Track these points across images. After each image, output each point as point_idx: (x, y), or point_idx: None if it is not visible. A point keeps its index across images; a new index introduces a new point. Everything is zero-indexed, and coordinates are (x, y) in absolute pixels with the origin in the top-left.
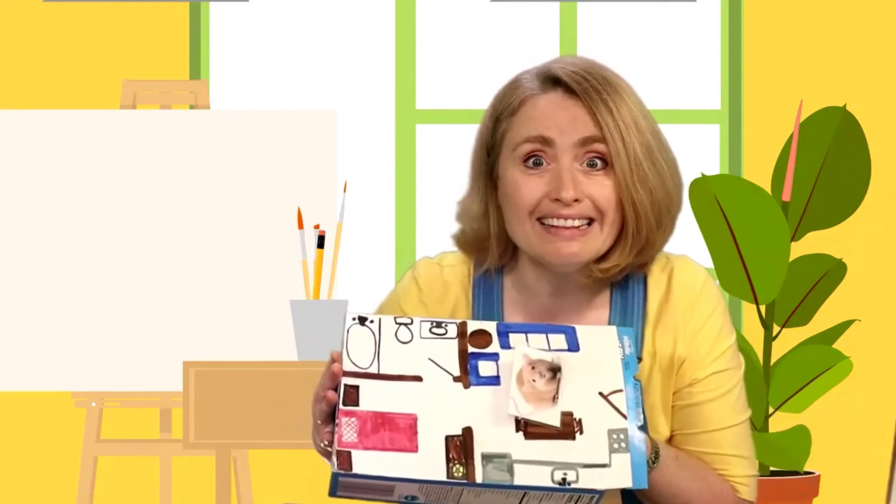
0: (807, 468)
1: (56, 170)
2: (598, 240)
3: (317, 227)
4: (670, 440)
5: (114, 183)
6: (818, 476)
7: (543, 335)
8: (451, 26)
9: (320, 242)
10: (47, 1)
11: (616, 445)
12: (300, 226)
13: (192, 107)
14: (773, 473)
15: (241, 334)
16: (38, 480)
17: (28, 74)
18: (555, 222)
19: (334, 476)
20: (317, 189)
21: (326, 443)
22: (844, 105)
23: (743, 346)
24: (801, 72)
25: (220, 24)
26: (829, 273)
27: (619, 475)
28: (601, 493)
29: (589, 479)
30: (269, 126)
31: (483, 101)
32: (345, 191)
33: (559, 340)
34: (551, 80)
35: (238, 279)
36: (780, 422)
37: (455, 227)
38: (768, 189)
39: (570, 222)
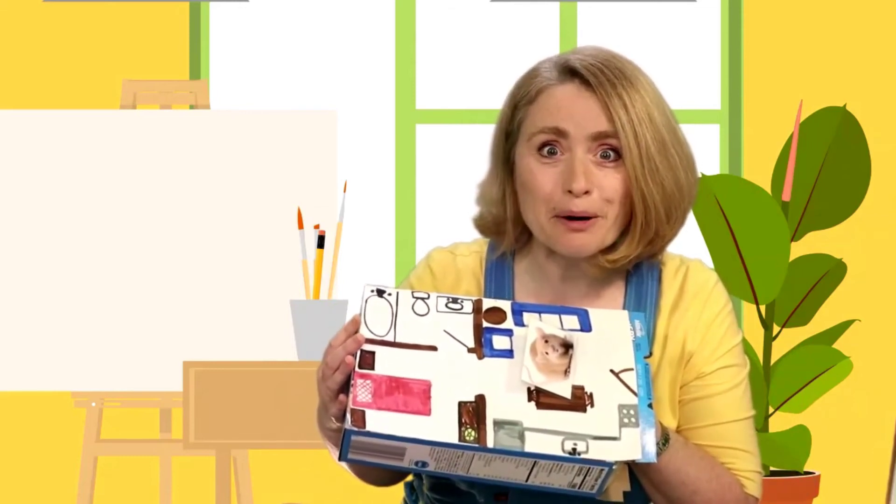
0: (807, 468)
1: (56, 170)
2: (606, 231)
3: (317, 227)
4: None
5: (114, 183)
6: (818, 476)
7: (556, 315)
8: (451, 26)
9: (320, 242)
10: (47, 1)
11: (626, 420)
12: (300, 226)
13: (192, 107)
14: (773, 473)
15: (241, 334)
16: (38, 480)
17: (28, 74)
18: (565, 214)
19: (346, 434)
20: (317, 189)
21: (336, 420)
22: (844, 105)
23: (743, 345)
24: (801, 72)
25: (220, 24)
26: (829, 273)
27: (629, 448)
28: (610, 466)
29: (599, 451)
30: (269, 126)
31: (483, 100)
32: (345, 191)
33: (572, 321)
34: (568, 70)
35: (238, 279)
36: (780, 422)
37: (475, 210)
38: (768, 189)
39: (579, 214)
